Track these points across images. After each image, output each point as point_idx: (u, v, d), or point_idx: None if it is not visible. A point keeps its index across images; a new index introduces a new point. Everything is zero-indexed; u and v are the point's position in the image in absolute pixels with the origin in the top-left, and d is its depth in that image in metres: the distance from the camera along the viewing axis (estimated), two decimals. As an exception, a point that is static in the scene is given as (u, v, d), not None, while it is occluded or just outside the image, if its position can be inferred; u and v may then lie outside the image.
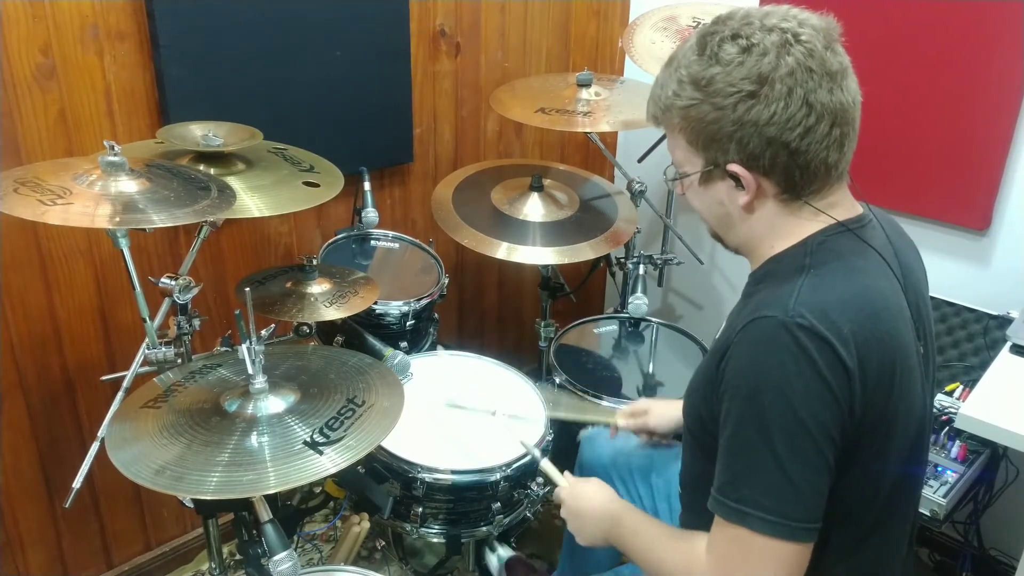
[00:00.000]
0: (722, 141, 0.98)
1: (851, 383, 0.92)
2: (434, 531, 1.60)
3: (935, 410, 1.70)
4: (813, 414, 0.91)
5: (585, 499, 1.25)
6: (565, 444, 1.79)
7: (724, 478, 0.97)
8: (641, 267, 2.21)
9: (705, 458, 1.05)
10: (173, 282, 1.41)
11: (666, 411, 1.51)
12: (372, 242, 2.12)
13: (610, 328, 2.18)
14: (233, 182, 1.44)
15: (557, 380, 1.92)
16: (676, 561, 1.07)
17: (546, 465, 1.37)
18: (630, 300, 2.08)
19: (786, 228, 1.03)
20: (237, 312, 1.29)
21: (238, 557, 1.97)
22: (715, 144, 0.99)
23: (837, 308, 0.93)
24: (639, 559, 1.16)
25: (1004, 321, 1.85)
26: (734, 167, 0.99)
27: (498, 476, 1.55)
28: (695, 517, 1.18)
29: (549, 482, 1.37)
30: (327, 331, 1.85)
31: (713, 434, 1.01)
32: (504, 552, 1.78)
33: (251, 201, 1.44)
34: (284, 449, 1.18)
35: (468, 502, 1.58)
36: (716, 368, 1.00)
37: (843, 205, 1.04)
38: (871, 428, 0.96)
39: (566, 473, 1.34)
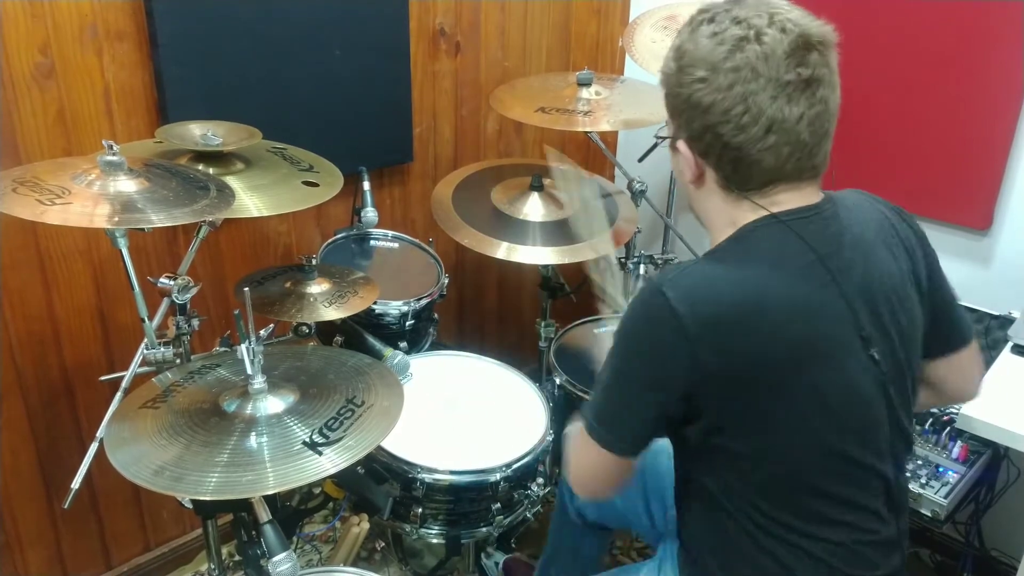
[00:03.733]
0: (678, 115, 1.04)
1: (693, 351, 0.97)
2: (434, 532, 1.60)
3: (936, 410, 1.70)
4: (640, 369, 1.04)
5: None
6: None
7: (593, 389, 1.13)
8: (642, 267, 2.21)
9: (679, 458, 1.17)
10: (172, 282, 1.41)
11: None
12: (371, 242, 2.11)
13: (610, 328, 2.17)
14: (232, 182, 1.43)
15: (557, 380, 1.91)
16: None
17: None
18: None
19: (728, 216, 1.06)
20: (236, 312, 1.28)
21: (237, 558, 1.97)
22: (676, 116, 1.05)
23: (706, 289, 1.00)
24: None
25: (1005, 321, 1.85)
26: (680, 144, 1.05)
27: (498, 477, 1.55)
28: (688, 516, 1.20)
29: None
30: (326, 331, 1.85)
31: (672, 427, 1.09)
32: (500, 559, 1.78)
33: (250, 201, 1.44)
34: (283, 449, 1.18)
35: (468, 503, 1.58)
36: None
37: (791, 203, 1.03)
38: (749, 404, 1.01)
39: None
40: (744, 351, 0.98)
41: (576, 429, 1.13)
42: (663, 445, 1.56)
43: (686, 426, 1.06)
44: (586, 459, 1.13)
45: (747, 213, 1.04)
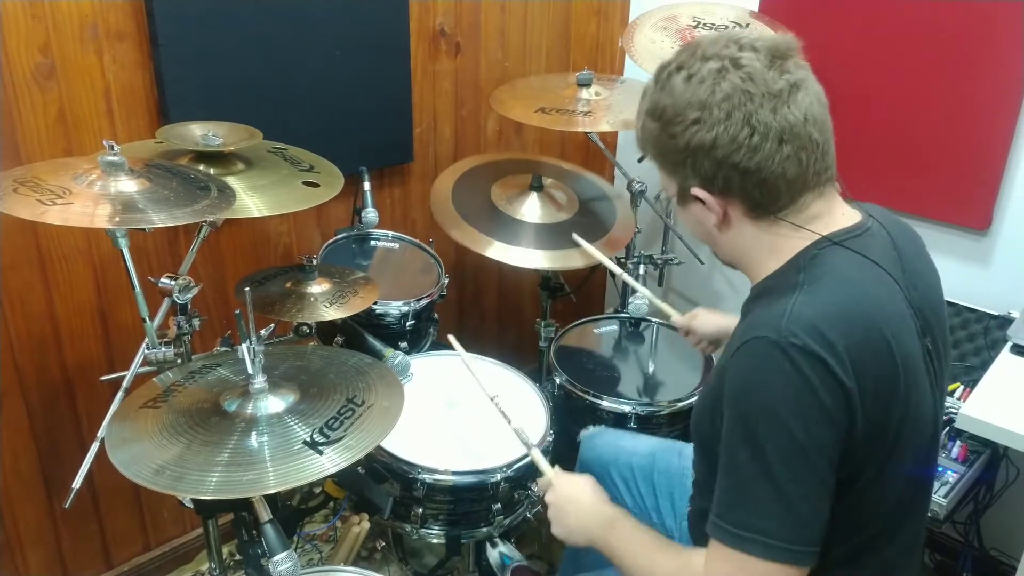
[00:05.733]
0: (681, 166, 1.02)
1: (849, 401, 0.92)
2: (434, 532, 1.60)
3: (936, 410, 1.71)
4: (809, 435, 0.91)
5: (576, 491, 1.23)
6: (566, 442, 1.80)
7: (723, 502, 0.97)
8: (641, 267, 2.21)
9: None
10: (173, 282, 1.41)
11: (712, 316, 1.63)
12: (372, 242, 2.12)
13: (610, 328, 2.18)
14: (233, 182, 1.44)
15: (557, 380, 1.91)
16: (670, 574, 1.06)
17: (536, 455, 1.35)
18: (630, 300, 2.08)
19: (770, 244, 1.04)
20: (237, 312, 1.29)
21: (238, 557, 1.97)
22: (679, 169, 1.03)
23: (830, 324, 0.93)
24: (628, 565, 1.13)
25: (1005, 321, 1.85)
26: (696, 190, 1.03)
27: (498, 477, 1.55)
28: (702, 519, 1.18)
29: (538, 473, 1.36)
30: (327, 331, 1.85)
31: None
32: (505, 548, 1.77)
33: (251, 201, 1.44)
34: (284, 449, 1.18)
35: (468, 503, 1.58)
36: (718, 393, 1.00)
37: (829, 215, 1.04)
38: (875, 441, 0.96)
39: (556, 467, 1.32)
40: (876, 375, 0.94)
41: (699, 565, 0.99)
42: (673, 444, 1.57)
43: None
44: None
45: (790, 237, 1.03)
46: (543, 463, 1.32)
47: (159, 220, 1.20)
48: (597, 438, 1.68)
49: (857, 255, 1.01)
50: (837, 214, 1.05)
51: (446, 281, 2.02)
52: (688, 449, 1.23)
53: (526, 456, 1.58)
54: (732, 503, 0.96)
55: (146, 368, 1.42)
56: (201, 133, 1.52)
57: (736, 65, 0.97)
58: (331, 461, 1.16)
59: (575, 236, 1.86)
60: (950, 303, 1.90)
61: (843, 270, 1.00)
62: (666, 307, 1.76)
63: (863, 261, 1.02)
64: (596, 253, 1.82)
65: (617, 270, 1.79)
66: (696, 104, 0.97)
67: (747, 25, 2.07)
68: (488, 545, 1.75)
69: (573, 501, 1.22)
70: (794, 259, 1.02)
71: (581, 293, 2.42)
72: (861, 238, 1.04)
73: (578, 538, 1.20)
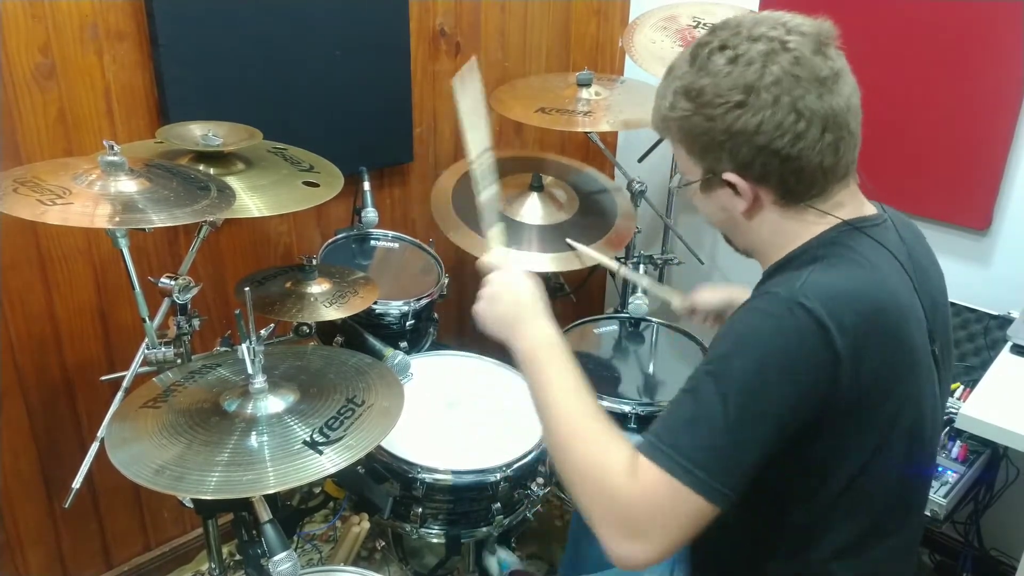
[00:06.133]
0: (715, 150, 0.99)
1: (836, 372, 0.91)
2: (434, 531, 1.60)
3: (936, 410, 1.71)
4: (780, 393, 0.90)
5: (523, 289, 1.14)
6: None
7: (666, 422, 0.94)
8: (641, 267, 2.21)
9: None
10: (173, 282, 1.41)
11: (714, 292, 1.52)
12: (372, 242, 2.11)
13: (610, 328, 2.18)
14: (233, 182, 1.43)
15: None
16: (593, 454, 0.97)
17: (494, 232, 1.26)
18: (630, 300, 2.08)
19: (793, 231, 1.03)
20: (237, 312, 1.29)
21: (238, 557, 1.97)
22: (710, 153, 1.00)
23: (844, 298, 0.92)
24: (545, 403, 1.03)
25: (1004, 321, 1.85)
26: (729, 175, 1.00)
27: (498, 476, 1.55)
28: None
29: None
30: (327, 331, 1.85)
31: None
32: (502, 554, 1.77)
33: (251, 201, 1.44)
34: (284, 449, 1.18)
35: (468, 502, 1.58)
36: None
37: (851, 205, 1.04)
38: (867, 424, 0.96)
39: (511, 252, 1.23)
40: (880, 358, 0.94)
41: (623, 465, 0.93)
42: None
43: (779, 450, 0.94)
44: (661, 513, 0.91)
45: (812, 224, 1.02)
46: (497, 238, 1.25)
47: (159, 220, 1.20)
48: None
49: (876, 243, 1.01)
50: (857, 204, 1.05)
51: (446, 281, 2.02)
52: None
53: (526, 455, 1.58)
54: (676, 426, 0.93)
55: (146, 368, 1.42)
56: (201, 133, 1.52)
57: (785, 48, 0.94)
58: (331, 461, 1.16)
59: (569, 241, 1.85)
60: (950, 303, 1.90)
61: (863, 252, 1.00)
62: (667, 292, 1.72)
63: (882, 249, 1.01)
64: (592, 253, 1.81)
65: (614, 265, 1.77)
66: (742, 87, 0.94)
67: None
68: (485, 552, 1.75)
69: (513, 295, 1.14)
70: (815, 238, 1.02)
71: (581, 293, 2.43)
72: (880, 227, 1.04)
73: (499, 329, 1.13)
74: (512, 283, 1.16)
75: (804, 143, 0.95)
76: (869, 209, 1.06)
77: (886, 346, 0.95)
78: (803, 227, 1.03)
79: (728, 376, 0.91)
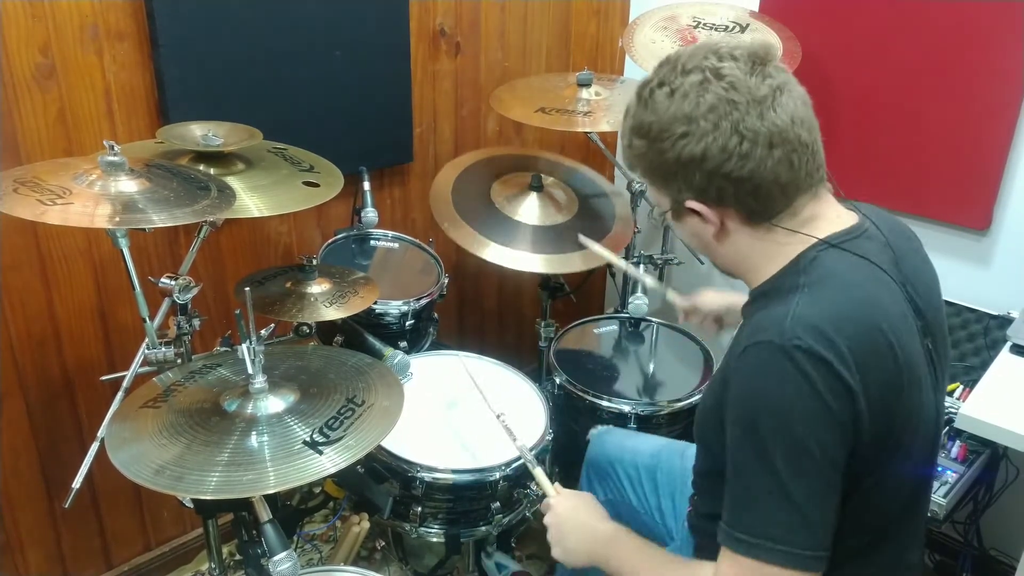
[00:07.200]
0: (673, 180, 1.02)
1: (854, 402, 0.92)
2: (434, 531, 1.60)
3: (936, 410, 1.71)
4: (816, 438, 0.91)
5: (575, 511, 1.24)
6: (566, 442, 1.80)
7: (732, 508, 0.97)
8: (641, 267, 2.21)
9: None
10: (173, 282, 1.41)
11: (716, 296, 1.58)
12: (372, 242, 2.12)
13: (610, 328, 2.18)
14: (233, 182, 1.44)
15: (557, 380, 1.91)
16: None
17: (539, 475, 1.35)
18: (630, 300, 2.08)
19: (766, 251, 1.04)
20: (237, 312, 1.29)
21: (238, 557, 1.97)
22: (671, 184, 1.03)
23: (833, 325, 0.93)
24: None
25: (1004, 321, 1.85)
26: (691, 203, 1.03)
27: (498, 476, 1.55)
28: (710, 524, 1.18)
29: (540, 490, 1.36)
30: (327, 331, 1.85)
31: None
32: (500, 558, 1.77)
33: (251, 201, 1.44)
34: (284, 449, 1.18)
35: (468, 501, 1.58)
36: (721, 396, 1.00)
37: (824, 218, 1.04)
38: (880, 442, 0.97)
39: (556, 485, 1.32)
40: (879, 376, 0.95)
41: (709, 570, 0.99)
42: (677, 445, 1.57)
43: None
44: None
45: (787, 243, 1.03)
46: (545, 483, 1.32)
47: (159, 220, 1.20)
48: (606, 436, 1.69)
49: (856, 257, 1.02)
50: (832, 216, 1.05)
51: (446, 281, 2.03)
52: (691, 450, 1.23)
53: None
54: (741, 509, 0.96)
55: (146, 368, 1.42)
56: (201, 133, 1.52)
57: (717, 75, 0.97)
58: (331, 461, 1.16)
59: (581, 237, 1.85)
60: (950, 303, 1.90)
61: (843, 272, 1.00)
62: (670, 292, 1.72)
63: (862, 263, 1.02)
64: (603, 252, 1.81)
65: (622, 263, 1.78)
66: (682, 118, 0.97)
67: (747, 25, 2.07)
68: (483, 555, 1.75)
69: (571, 521, 1.22)
70: (793, 262, 1.03)
71: (581, 293, 2.43)
72: (859, 240, 1.04)
73: (578, 559, 1.21)
74: (566, 515, 1.24)
75: (752, 163, 0.97)
76: (847, 219, 1.06)
77: (882, 362, 0.95)
78: (777, 248, 1.03)
79: (762, 446, 0.92)
